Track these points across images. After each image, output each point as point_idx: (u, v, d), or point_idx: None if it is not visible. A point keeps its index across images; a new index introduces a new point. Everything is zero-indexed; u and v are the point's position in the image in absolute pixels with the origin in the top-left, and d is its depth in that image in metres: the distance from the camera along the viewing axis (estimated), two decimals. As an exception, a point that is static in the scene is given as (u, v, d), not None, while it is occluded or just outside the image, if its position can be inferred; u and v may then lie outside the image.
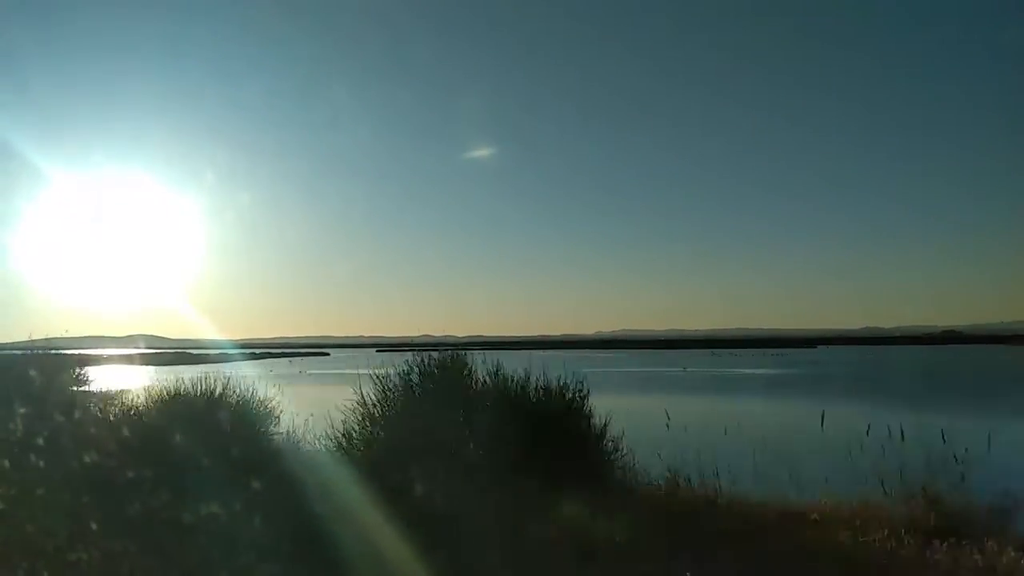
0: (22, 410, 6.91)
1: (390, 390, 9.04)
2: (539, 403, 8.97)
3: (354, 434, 8.74)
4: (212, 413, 8.90)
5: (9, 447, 6.12)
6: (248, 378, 10.61)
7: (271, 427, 9.86)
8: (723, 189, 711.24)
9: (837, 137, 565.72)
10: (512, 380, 9.21)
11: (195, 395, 9.68)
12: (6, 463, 5.92)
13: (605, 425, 9.10)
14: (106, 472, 6.25)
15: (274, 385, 10.85)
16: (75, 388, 10.76)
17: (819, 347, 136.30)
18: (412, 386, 9.12)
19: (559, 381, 9.23)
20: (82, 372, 11.54)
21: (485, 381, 9.18)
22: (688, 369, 60.69)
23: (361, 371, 9.33)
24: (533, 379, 9.17)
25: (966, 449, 8.02)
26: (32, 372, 9.46)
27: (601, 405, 9.43)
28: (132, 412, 9.29)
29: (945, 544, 6.13)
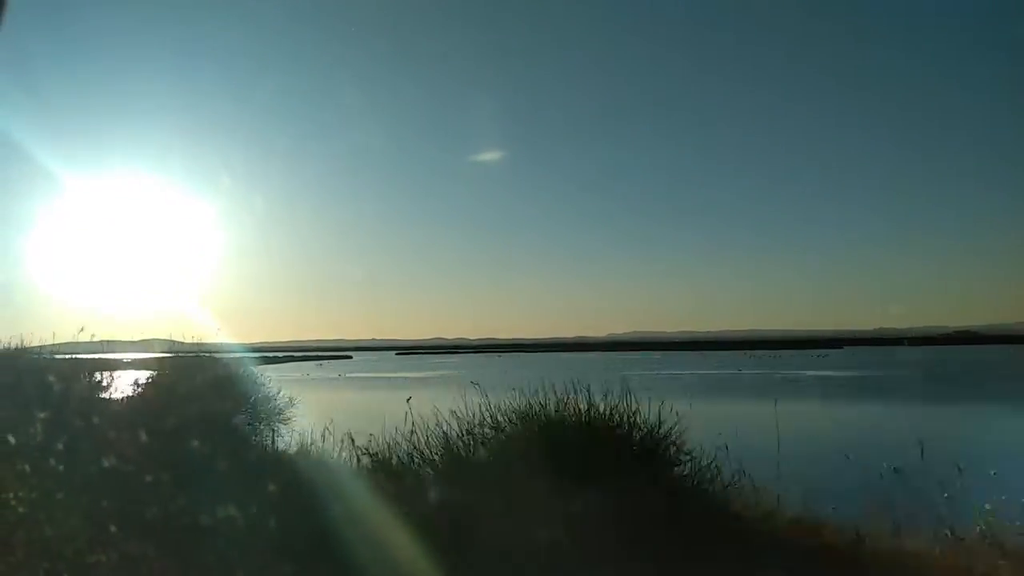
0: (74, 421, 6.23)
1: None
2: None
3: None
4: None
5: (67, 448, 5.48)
6: (316, 380, 9.16)
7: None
8: (736, 190, 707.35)
9: (850, 135, 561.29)
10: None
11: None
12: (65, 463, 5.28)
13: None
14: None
15: (331, 389, 9.28)
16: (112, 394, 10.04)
17: (845, 348, 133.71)
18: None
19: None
20: (109, 376, 10.68)
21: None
22: (743, 371, 57.54)
23: (402, 374, 7.68)
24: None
25: None
26: (68, 375, 8.98)
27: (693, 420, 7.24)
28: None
29: None
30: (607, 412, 7.13)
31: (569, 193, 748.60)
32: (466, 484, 6.32)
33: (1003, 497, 5.93)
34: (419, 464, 7.20)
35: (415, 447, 7.31)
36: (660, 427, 6.97)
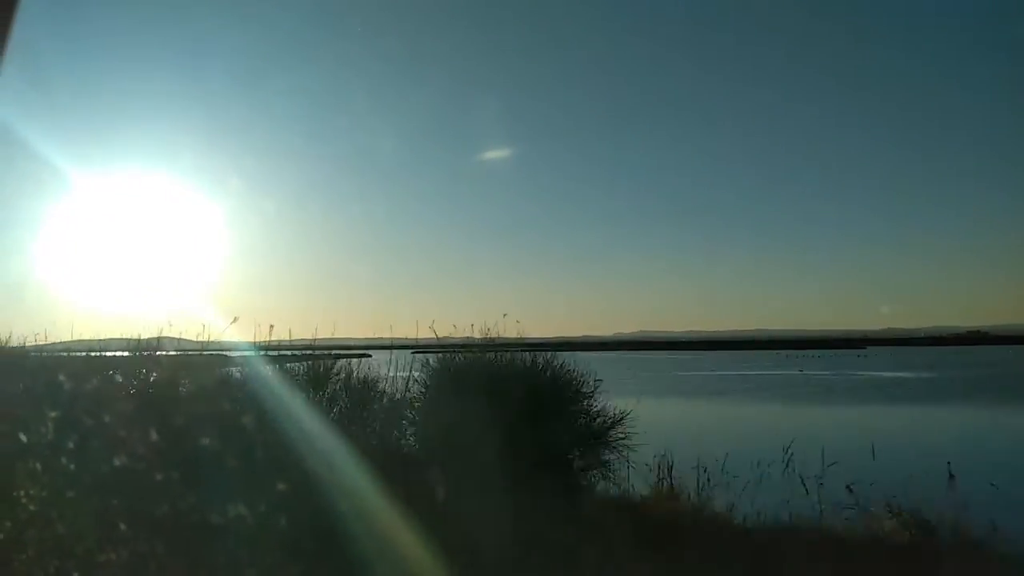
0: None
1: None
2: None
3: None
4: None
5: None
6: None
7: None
8: (738, 189, 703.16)
9: (859, 135, 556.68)
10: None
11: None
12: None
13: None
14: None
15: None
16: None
17: (867, 348, 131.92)
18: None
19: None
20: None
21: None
22: (806, 372, 55.09)
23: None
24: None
25: None
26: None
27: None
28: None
29: None
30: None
31: (574, 192, 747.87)
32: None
33: None
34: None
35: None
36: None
